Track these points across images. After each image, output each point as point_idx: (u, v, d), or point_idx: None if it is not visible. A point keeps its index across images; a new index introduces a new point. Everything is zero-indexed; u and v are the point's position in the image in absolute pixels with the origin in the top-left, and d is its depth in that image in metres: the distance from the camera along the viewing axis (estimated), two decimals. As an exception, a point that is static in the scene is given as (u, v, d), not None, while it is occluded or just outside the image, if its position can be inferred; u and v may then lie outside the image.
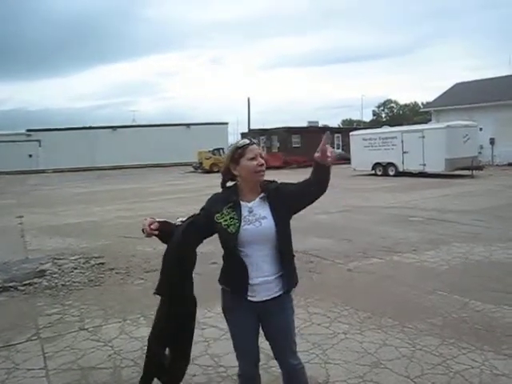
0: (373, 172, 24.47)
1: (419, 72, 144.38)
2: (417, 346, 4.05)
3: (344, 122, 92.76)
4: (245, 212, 2.45)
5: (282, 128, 41.53)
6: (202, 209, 2.59)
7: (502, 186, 16.76)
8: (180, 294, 2.55)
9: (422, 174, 21.95)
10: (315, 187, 2.44)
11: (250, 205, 2.47)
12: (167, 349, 2.70)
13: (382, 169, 24.07)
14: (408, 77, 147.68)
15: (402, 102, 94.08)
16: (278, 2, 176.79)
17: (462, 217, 10.48)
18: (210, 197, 2.61)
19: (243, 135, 47.45)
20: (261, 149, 2.54)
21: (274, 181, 2.59)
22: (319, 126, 50.23)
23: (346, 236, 8.83)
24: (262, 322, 2.60)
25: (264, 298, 2.48)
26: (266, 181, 2.55)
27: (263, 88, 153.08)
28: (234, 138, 56.06)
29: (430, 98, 36.88)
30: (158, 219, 2.53)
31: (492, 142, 27.93)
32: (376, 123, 67.66)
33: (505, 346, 3.99)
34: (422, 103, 67.85)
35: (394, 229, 9.41)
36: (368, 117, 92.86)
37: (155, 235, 2.50)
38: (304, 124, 47.09)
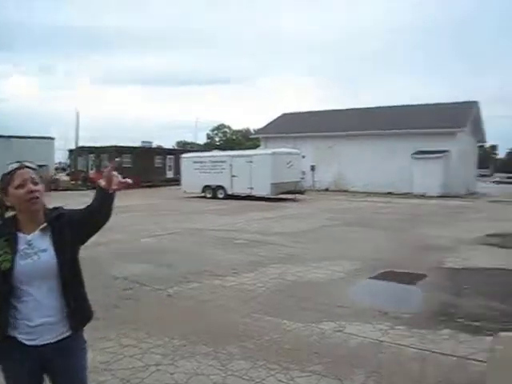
0: (203, 194, 24.84)
1: (254, 99, 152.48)
2: (228, 371, 4.03)
3: (178, 143, 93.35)
4: (22, 245, 2.17)
5: (113, 146, 40.03)
6: None
7: (319, 210, 18.22)
8: None
9: (250, 197, 22.89)
10: (99, 214, 2.22)
11: (29, 237, 2.19)
12: None
13: (212, 191, 24.53)
14: (243, 103, 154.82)
15: (235, 127, 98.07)
16: (123, 18, 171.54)
17: (282, 238, 11.06)
18: None
19: (70, 152, 44.75)
20: (34, 173, 2.22)
21: (57, 207, 2.33)
22: (153, 146, 49.73)
23: (169, 260, 8.66)
24: (46, 369, 2.27)
25: (47, 342, 2.18)
26: (50, 208, 2.29)
27: (96, 104, 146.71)
28: (61, 154, 52.78)
29: (262, 125, 38.92)
30: None
31: (313, 168, 30.37)
32: (210, 146, 69.29)
33: (309, 363, 4.18)
34: (254, 130, 71.52)
35: (218, 251, 9.52)
36: (203, 140, 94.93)
37: None
38: (138, 144, 46.18)
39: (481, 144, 42.58)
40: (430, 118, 28.24)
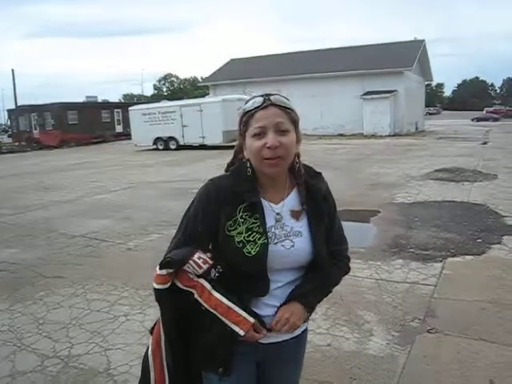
0: (154, 147, 24.46)
1: (200, 47, 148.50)
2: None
3: (125, 96, 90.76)
4: (270, 221, 1.55)
5: (57, 104, 38.38)
6: (194, 216, 1.57)
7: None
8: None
9: (203, 147, 22.73)
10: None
11: (276, 209, 1.57)
12: None
13: (163, 143, 24.20)
14: (189, 51, 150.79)
15: (182, 76, 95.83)
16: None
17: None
18: (203, 188, 1.60)
19: (10, 112, 42.65)
20: (283, 114, 1.57)
21: (318, 173, 1.68)
22: (98, 101, 48.10)
23: (127, 214, 8.63)
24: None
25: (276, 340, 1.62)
26: (306, 168, 1.65)
27: (33, 59, 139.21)
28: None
29: (210, 73, 38.04)
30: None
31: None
32: (158, 97, 67.54)
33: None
34: (202, 78, 70.02)
35: (174, 202, 9.48)
36: (150, 91, 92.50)
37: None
38: (82, 99, 44.51)
39: (428, 83, 43.63)
40: (378, 57, 28.47)
